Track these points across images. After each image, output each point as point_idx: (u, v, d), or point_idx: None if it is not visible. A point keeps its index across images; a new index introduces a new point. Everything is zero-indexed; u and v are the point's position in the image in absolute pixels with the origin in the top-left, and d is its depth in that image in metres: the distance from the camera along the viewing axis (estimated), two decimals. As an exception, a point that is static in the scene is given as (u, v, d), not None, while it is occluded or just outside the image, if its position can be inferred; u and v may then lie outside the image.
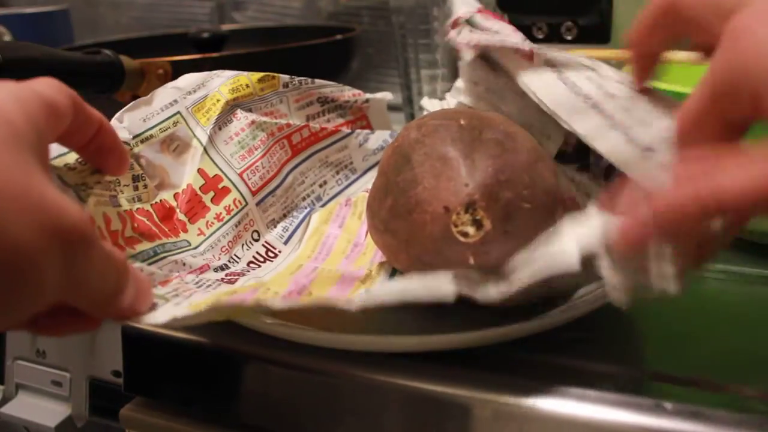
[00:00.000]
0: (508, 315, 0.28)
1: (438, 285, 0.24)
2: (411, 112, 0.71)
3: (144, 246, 0.32)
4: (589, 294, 0.30)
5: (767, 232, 0.38)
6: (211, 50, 0.68)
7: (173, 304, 0.27)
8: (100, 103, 0.37)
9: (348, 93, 0.45)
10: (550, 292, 0.30)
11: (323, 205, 0.43)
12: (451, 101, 0.45)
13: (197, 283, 0.32)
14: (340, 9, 0.90)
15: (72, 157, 0.31)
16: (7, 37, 0.82)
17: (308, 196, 0.43)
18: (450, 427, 0.27)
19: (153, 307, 0.27)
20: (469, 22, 0.38)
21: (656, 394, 0.25)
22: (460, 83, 0.44)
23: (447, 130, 0.31)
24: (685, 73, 0.40)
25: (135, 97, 0.42)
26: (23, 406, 0.53)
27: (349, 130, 0.45)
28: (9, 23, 0.84)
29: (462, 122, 0.31)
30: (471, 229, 0.28)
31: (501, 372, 0.27)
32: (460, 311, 0.31)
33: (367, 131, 0.45)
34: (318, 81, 0.43)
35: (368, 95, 0.46)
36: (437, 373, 0.28)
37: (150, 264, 0.32)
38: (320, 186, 0.43)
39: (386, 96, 0.47)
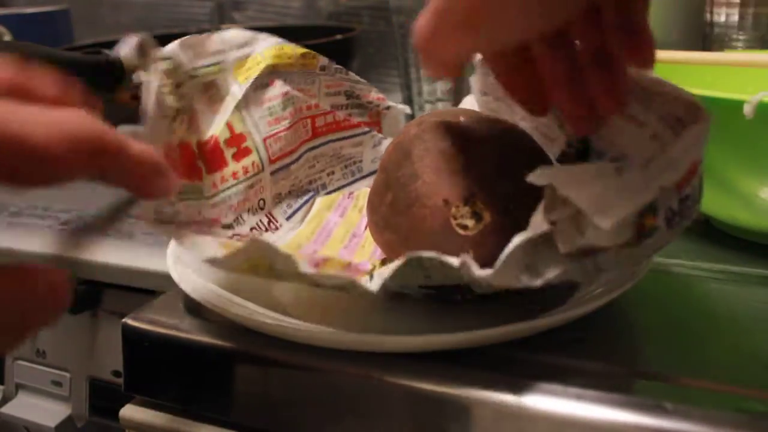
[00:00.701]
0: (508, 315, 0.28)
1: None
2: (411, 113, 0.71)
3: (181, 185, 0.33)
4: (589, 294, 0.31)
5: (767, 232, 0.38)
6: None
7: (208, 243, 0.28)
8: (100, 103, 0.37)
9: (374, 95, 0.45)
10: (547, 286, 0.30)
11: (327, 194, 0.43)
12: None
13: (214, 236, 0.32)
14: (340, 9, 0.90)
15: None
16: (7, 37, 0.82)
17: (315, 181, 0.43)
18: (450, 427, 0.27)
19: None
20: None
21: (656, 394, 0.25)
22: (470, 98, 0.45)
23: (447, 127, 0.31)
24: (686, 73, 0.40)
25: (135, 98, 0.41)
26: (23, 406, 0.53)
27: (368, 129, 0.45)
28: (9, 23, 0.84)
29: (462, 119, 0.31)
30: (470, 222, 0.28)
31: (501, 372, 0.27)
32: (461, 311, 0.31)
33: (381, 135, 0.46)
34: (351, 75, 0.44)
35: (390, 103, 0.47)
36: (437, 373, 0.28)
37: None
38: (328, 175, 0.44)
39: (405, 109, 0.48)
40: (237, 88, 0.39)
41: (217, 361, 0.31)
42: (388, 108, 0.47)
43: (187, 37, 0.37)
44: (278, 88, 0.40)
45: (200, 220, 0.34)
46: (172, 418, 0.32)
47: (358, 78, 0.45)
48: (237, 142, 0.38)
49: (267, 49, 0.40)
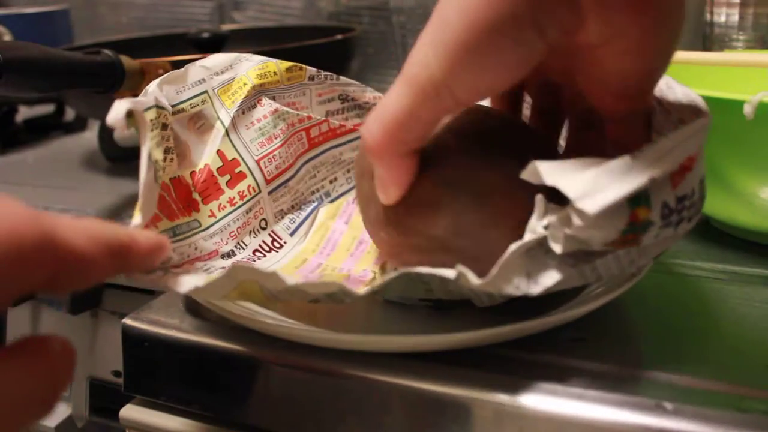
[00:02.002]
0: (508, 315, 0.28)
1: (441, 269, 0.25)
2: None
3: (165, 225, 0.33)
4: (589, 294, 0.31)
5: (767, 232, 0.38)
6: (211, 50, 0.68)
7: (192, 276, 0.28)
8: (101, 103, 0.37)
9: (369, 95, 0.45)
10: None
11: (331, 201, 0.43)
12: None
13: (206, 269, 0.32)
14: (341, 9, 0.90)
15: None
16: (7, 37, 0.82)
17: (318, 190, 0.43)
18: (450, 427, 0.27)
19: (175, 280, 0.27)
20: None
21: (656, 394, 0.25)
22: None
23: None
24: (689, 73, 0.40)
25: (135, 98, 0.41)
26: (23, 406, 0.53)
27: None
28: (9, 23, 0.84)
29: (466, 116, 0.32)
30: None
31: (501, 372, 0.27)
32: (461, 312, 0.31)
33: None
34: (342, 78, 0.43)
35: None
36: (437, 373, 0.28)
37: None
38: (330, 182, 0.43)
39: None
40: (225, 114, 0.38)
41: (217, 362, 0.31)
42: None
43: (167, 74, 0.36)
44: (267, 107, 0.40)
45: (196, 257, 0.34)
46: (171, 418, 0.32)
47: (350, 80, 0.44)
48: (230, 168, 0.38)
49: (251, 69, 0.40)
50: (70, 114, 0.87)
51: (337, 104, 0.44)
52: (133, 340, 0.33)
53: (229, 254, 0.36)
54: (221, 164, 0.37)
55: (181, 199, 0.36)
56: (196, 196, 0.36)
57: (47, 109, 0.87)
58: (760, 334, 0.30)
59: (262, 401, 0.31)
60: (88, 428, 0.52)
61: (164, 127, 0.34)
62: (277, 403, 0.30)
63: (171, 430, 0.32)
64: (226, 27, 0.89)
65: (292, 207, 0.41)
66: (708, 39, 0.60)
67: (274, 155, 0.39)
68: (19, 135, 0.82)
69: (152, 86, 0.35)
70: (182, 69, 0.38)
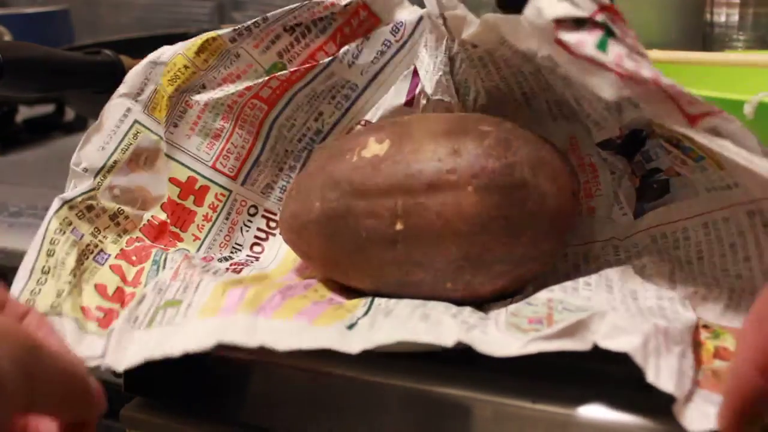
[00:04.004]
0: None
1: (439, 332, 0.26)
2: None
3: (147, 267, 0.33)
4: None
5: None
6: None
7: (167, 325, 0.28)
8: (101, 103, 0.37)
9: (323, 4, 0.37)
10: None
11: (324, 137, 0.40)
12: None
13: (204, 267, 0.32)
14: (340, 9, 0.90)
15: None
16: (7, 37, 0.82)
17: (304, 135, 0.40)
18: (450, 427, 0.27)
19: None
20: (605, 28, 0.27)
21: (656, 394, 0.25)
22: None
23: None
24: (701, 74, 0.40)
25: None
26: (23, 406, 0.53)
27: (329, 58, 0.38)
28: (9, 23, 0.84)
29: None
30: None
31: (501, 372, 0.27)
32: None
33: (354, 45, 0.38)
34: (275, 12, 0.37)
35: None
36: (437, 373, 0.28)
37: (158, 273, 0.32)
38: (315, 120, 0.40)
39: None
40: (162, 130, 0.37)
41: (217, 362, 0.31)
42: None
43: (85, 135, 0.36)
44: (196, 106, 0.37)
45: (193, 266, 0.33)
46: (171, 418, 0.32)
47: (286, 8, 0.37)
48: (189, 188, 0.37)
49: (163, 75, 0.37)
50: (70, 114, 0.87)
51: (286, 39, 0.38)
52: (133, 340, 0.33)
53: (226, 258, 0.36)
54: (179, 190, 0.37)
55: (161, 239, 0.36)
56: (173, 228, 0.36)
57: (47, 109, 0.87)
58: (760, 334, 0.30)
59: (262, 401, 0.31)
60: (88, 428, 0.51)
61: (89, 209, 0.34)
62: (276, 403, 0.30)
63: (171, 430, 0.32)
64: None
65: (279, 171, 0.39)
66: (708, 39, 0.60)
67: (228, 149, 0.38)
68: (19, 135, 0.82)
69: (56, 201, 0.34)
70: (97, 121, 0.36)
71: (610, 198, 0.35)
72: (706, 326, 0.28)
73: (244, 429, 0.31)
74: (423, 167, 0.29)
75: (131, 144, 0.36)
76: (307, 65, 0.38)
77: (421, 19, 0.37)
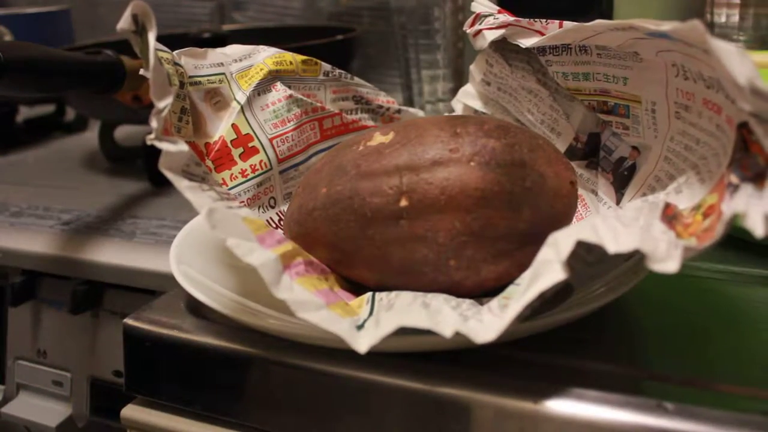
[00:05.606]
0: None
1: (438, 320, 0.26)
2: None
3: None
4: (589, 294, 0.31)
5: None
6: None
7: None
8: (101, 103, 0.37)
9: (382, 98, 0.46)
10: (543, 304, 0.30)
11: None
12: (457, 106, 0.46)
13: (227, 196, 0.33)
14: (341, 9, 0.90)
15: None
16: (8, 37, 0.82)
17: None
18: (450, 427, 0.27)
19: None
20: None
21: (656, 394, 0.25)
22: (469, 87, 0.45)
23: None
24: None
25: (136, 97, 0.41)
26: (24, 406, 0.53)
27: (376, 127, 0.45)
28: (9, 23, 0.84)
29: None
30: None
31: (501, 372, 0.27)
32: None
33: None
34: (356, 79, 0.45)
35: (401, 106, 0.47)
36: (437, 373, 0.28)
37: None
38: None
39: (418, 112, 0.48)
40: (241, 95, 0.40)
41: (217, 361, 0.31)
42: (399, 112, 0.47)
43: (186, 48, 0.38)
44: (281, 92, 0.41)
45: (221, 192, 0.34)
46: (172, 417, 0.32)
47: (363, 82, 0.45)
48: (243, 142, 0.39)
49: (268, 57, 0.41)
50: (70, 114, 0.87)
51: (350, 104, 0.45)
52: (134, 340, 0.33)
53: None
54: (235, 137, 0.39)
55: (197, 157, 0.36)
56: (209, 162, 0.37)
57: (47, 109, 0.87)
58: (760, 334, 0.30)
59: (262, 401, 0.31)
60: (88, 428, 0.52)
61: (181, 85, 0.36)
62: (277, 403, 0.30)
63: (172, 430, 0.32)
64: (227, 27, 0.89)
65: None
66: (708, 39, 0.60)
67: (287, 137, 0.41)
68: (20, 135, 0.82)
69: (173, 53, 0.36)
70: (202, 50, 0.39)
71: (594, 201, 0.37)
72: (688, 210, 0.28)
73: (244, 429, 0.31)
74: (427, 147, 0.31)
75: (215, 83, 0.39)
76: (362, 124, 0.44)
77: None
